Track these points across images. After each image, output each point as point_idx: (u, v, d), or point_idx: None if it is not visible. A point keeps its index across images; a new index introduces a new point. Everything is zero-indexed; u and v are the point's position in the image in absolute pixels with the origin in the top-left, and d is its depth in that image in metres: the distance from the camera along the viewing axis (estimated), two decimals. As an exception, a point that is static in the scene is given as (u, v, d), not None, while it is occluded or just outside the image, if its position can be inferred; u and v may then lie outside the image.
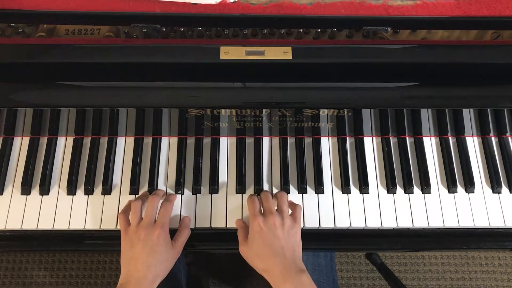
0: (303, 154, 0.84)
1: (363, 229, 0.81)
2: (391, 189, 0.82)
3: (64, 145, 0.85)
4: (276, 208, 0.76)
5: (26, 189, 0.81)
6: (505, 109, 0.81)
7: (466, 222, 0.80)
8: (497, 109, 0.81)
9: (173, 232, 0.76)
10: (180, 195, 0.82)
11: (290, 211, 0.77)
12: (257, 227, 0.72)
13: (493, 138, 0.87)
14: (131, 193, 0.82)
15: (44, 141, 0.85)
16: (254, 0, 0.73)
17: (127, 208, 0.78)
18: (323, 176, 0.83)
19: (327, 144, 0.86)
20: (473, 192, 0.83)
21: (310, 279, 0.69)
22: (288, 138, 0.86)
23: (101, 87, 0.72)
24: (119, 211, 0.79)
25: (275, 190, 0.82)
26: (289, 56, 0.70)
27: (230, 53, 0.70)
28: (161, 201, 0.78)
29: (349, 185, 0.82)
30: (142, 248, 0.71)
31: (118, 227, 0.77)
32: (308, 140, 0.86)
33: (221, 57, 0.70)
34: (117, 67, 0.71)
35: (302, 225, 0.79)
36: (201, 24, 0.76)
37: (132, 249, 0.72)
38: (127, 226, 0.75)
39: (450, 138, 0.87)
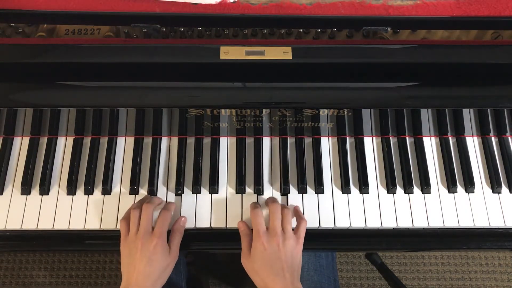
0: (303, 154, 0.84)
1: (363, 229, 0.81)
2: (391, 189, 0.82)
3: (64, 145, 0.85)
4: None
5: (26, 189, 0.81)
6: (505, 109, 0.81)
7: (466, 222, 0.80)
8: (497, 109, 0.81)
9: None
10: (180, 195, 0.82)
11: (294, 219, 0.77)
12: (260, 246, 0.72)
13: (493, 138, 0.87)
14: (131, 193, 0.82)
15: (44, 141, 0.85)
16: (254, 0, 0.73)
17: (128, 215, 0.77)
18: (323, 176, 0.83)
19: (327, 144, 0.86)
20: (473, 192, 0.83)
21: None
22: (288, 138, 0.85)
23: (101, 87, 0.72)
24: (121, 218, 0.78)
25: (275, 191, 0.82)
26: (289, 56, 0.70)
27: (230, 53, 0.70)
28: (159, 209, 0.78)
29: (349, 185, 0.82)
30: (140, 258, 0.71)
31: (118, 227, 0.77)
32: (308, 140, 0.86)
33: (221, 57, 0.70)
34: (117, 67, 0.71)
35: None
36: (201, 24, 0.76)
37: (130, 256, 0.73)
38: (127, 234, 0.75)
39: (450, 138, 0.87)
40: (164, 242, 0.74)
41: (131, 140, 0.85)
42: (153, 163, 0.83)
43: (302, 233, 0.76)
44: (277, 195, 0.82)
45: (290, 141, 0.86)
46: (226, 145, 0.85)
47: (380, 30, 0.75)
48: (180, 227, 0.78)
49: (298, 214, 0.79)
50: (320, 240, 0.82)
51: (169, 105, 0.75)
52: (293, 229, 0.75)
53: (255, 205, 0.78)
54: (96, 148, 0.84)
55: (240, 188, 0.82)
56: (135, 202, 0.80)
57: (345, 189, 0.82)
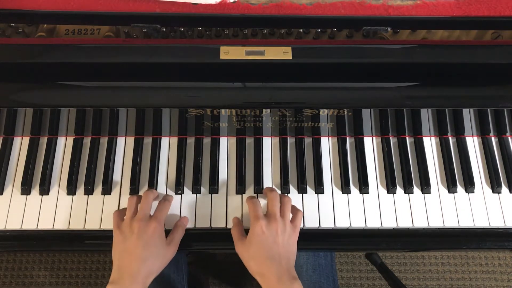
0: (303, 154, 0.84)
1: (363, 229, 0.81)
2: (391, 189, 0.82)
3: (64, 145, 0.85)
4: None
5: (26, 189, 0.81)
6: (505, 109, 0.81)
7: (466, 222, 0.80)
8: (497, 109, 0.81)
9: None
10: (180, 195, 0.82)
11: (290, 216, 0.77)
12: (259, 230, 0.71)
13: (493, 138, 0.87)
14: (131, 193, 0.81)
15: (44, 141, 0.85)
16: (254, 0, 0.73)
17: (123, 209, 0.78)
18: (323, 176, 0.83)
19: (327, 144, 0.86)
20: (473, 192, 0.83)
21: (302, 287, 0.70)
22: (288, 138, 0.86)
23: (101, 87, 0.72)
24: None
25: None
26: (289, 56, 0.70)
27: (230, 53, 0.70)
28: (157, 201, 0.78)
29: (349, 185, 0.82)
30: (136, 241, 0.70)
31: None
32: (308, 140, 0.86)
33: (221, 57, 0.70)
34: (117, 67, 0.71)
35: (302, 225, 0.79)
36: (201, 24, 0.76)
37: (125, 242, 0.71)
38: (121, 220, 0.75)
39: (450, 138, 0.87)
40: (162, 229, 0.74)
41: (131, 140, 0.85)
42: (153, 163, 0.83)
43: (299, 223, 0.76)
44: (277, 195, 0.82)
45: (290, 141, 0.86)
46: (226, 145, 0.85)
47: (380, 30, 0.75)
48: (182, 224, 0.78)
49: (293, 206, 0.79)
50: (320, 240, 0.82)
51: (169, 105, 0.75)
52: None
53: (253, 196, 0.79)
54: (96, 148, 0.84)
55: (240, 188, 0.82)
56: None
57: (345, 189, 0.82)
